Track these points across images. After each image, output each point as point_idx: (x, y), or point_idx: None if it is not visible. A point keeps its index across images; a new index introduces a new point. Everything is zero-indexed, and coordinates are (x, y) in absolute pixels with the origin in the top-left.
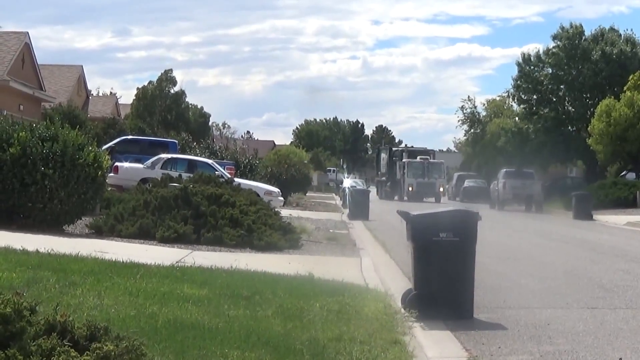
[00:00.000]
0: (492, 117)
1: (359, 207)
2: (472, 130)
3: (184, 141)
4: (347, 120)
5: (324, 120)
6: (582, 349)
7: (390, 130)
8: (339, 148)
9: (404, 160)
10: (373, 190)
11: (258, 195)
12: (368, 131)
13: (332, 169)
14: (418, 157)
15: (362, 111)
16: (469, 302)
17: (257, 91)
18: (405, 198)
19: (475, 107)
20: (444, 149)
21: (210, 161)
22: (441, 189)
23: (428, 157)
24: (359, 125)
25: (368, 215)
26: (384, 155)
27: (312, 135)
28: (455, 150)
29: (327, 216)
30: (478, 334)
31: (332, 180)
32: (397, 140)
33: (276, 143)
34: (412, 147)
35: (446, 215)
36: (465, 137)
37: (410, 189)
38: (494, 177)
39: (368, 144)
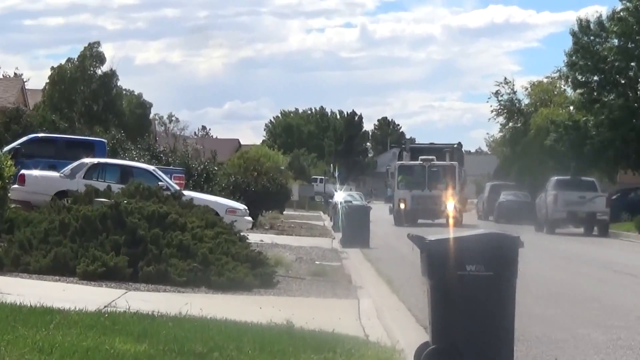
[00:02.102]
0: (538, 106)
1: (355, 230)
2: (510, 124)
3: (116, 140)
4: (340, 112)
5: (308, 112)
6: None
7: (398, 125)
8: (328, 149)
9: (396, 162)
10: (382, 206)
11: (217, 214)
12: (368, 126)
13: (318, 177)
14: (419, 159)
15: (359, 98)
16: (506, 359)
17: (216, 72)
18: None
19: (514, 93)
20: (472, 150)
21: (151, 168)
22: (450, 205)
23: (434, 157)
24: (356, 118)
25: (368, 241)
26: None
27: (291, 132)
28: (488, 152)
29: (312, 242)
30: None
31: (319, 194)
32: (408, 137)
33: (242, 142)
34: (423, 143)
35: (475, 240)
36: (501, 134)
37: (402, 205)
38: (541, 188)
39: (368, 144)
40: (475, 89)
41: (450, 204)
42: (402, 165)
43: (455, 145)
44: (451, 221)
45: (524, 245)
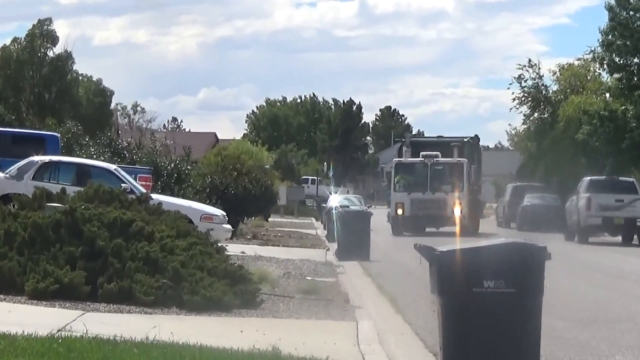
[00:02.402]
0: (569, 94)
1: (353, 240)
2: (535, 115)
3: (71, 134)
4: (335, 100)
5: (298, 100)
6: None
7: (403, 116)
8: (321, 144)
9: (393, 160)
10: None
11: (190, 221)
12: (368, 117)
13: (310, 178)
14: (420, 155)
15: (358, 85)
16: None
17: (189, 54)
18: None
19: (540, 78)
20: (491, 145)
21: (112, 167)
22: (456, 210)
23: (438, 153)
24: (354, 108)
25: (368, 253)
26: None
27: (277, 124)
28: (510, 147)
29: (302, 254)
30: None
31: (310, 197)
32: (415, 131)
33: (220, 137)
34: (428, 136)
35: (494, 252)
36: (524, 126)
37: (399, 210)
38: (572, 189)
39: (368, 138)
40: (494, 74)
41: (457, 209)
42: (399, 163)
43: (466, 139)
44: (457, 229)
45: (552, 256)
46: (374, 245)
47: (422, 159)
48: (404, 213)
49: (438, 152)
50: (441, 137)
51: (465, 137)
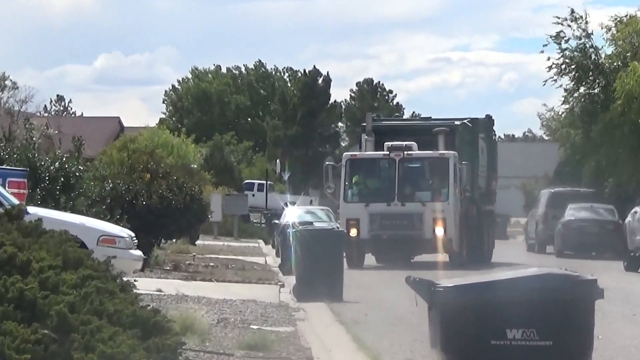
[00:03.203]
0: (628, 59)
1: (319, 271)
2: (582, 90)
3: None
4: (291, 70)
5: (239, 71)
6: None
7: (390, 92)
8: (272, 134)
9: (344, 155)
10: None
11: (84, 245)
12: (340, 94)
13: (256, 182)
14: (385, 146)
15: (325, 47)
16: None
17: (82, 5)
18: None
19: (588, 37)
20: (517, 134)
21: None
22: (440, 229)
23: (413, 144)
24: (319, 81)
25: (341, 290)
26: None
27: (208, 105)
28: (544, 137)
29: (245, 293)
30: None
31: (256, 210)
32: (411, 114)
33: (125, 123)
34: (404, 119)
35: (522, 287)
36: (566, 107)
37: (351, 230)
38: (634, 197)
39: (339, 124)
40: (521, 31)
41: (438, 228)
42: (353, 159)
43: (460, 123)
44: (440, 258)
45: (606, 294)
46: (348, 278)
47: (387, 152)
48: (359, 235)
49: (413, 143)
50: (430, 119)
51: (459, 119)
